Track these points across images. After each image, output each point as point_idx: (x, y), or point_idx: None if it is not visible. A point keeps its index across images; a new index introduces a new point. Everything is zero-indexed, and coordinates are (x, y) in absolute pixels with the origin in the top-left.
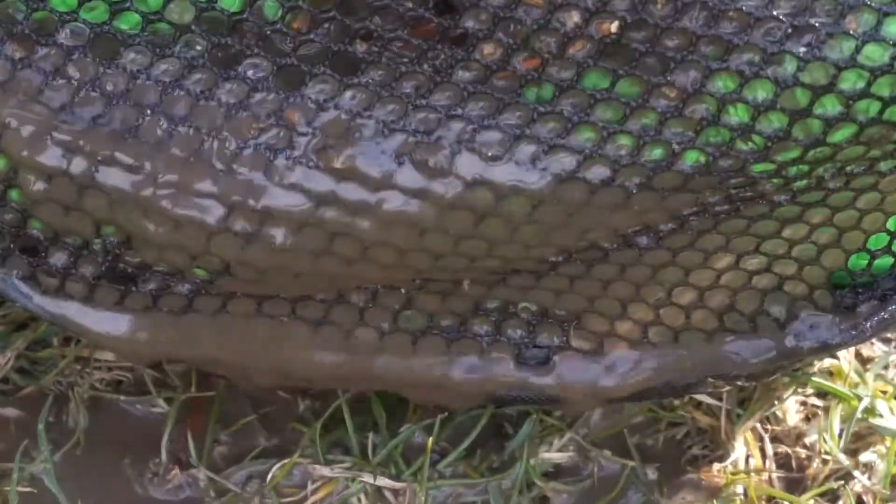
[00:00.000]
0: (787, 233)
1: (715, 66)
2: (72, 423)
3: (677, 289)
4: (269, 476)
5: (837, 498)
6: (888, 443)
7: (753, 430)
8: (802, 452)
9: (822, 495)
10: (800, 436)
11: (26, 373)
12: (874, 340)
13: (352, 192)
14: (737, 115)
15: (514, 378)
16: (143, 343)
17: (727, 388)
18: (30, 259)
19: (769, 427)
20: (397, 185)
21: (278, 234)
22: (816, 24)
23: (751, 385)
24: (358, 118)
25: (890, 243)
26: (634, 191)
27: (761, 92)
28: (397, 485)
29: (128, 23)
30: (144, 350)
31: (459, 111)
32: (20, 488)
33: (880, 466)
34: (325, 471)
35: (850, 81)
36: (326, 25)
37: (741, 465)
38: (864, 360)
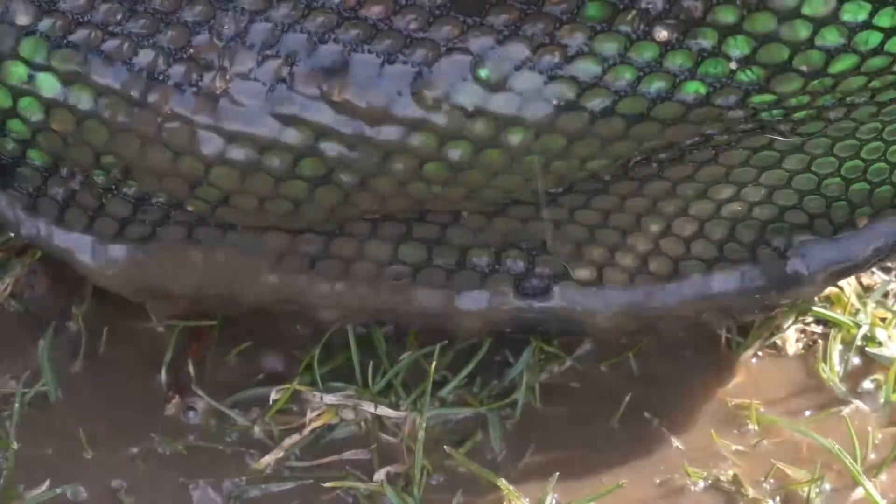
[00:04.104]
0: (788, 164)
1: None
2: (73, 347)
3: (677, 220)
4: (269, 402)
5: (837, 424)
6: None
7: (754, 356)
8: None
9: (821, 421)
10: (800, 363)
11: (26, 298)
12: (874, 269)
13: (349, 123)
14: (737, 46)
15: (514, 308)
16: (141, 275)
17: (728, 317)
18: (29, 189)
19: (770, 354)
20: (396, 117)
21: (276, 165)
22: None
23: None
24: (356, 51)
25: (889, 173)
26: (634, 121)
27: (761, 24)
28: (397, 413)
29: None
30: (142, 282)
31: (459, 43)
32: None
33: (879, 394)
34: (325, 398)
35: (852, 13)
36: None
37: (742, 391)
38: (865, 289)
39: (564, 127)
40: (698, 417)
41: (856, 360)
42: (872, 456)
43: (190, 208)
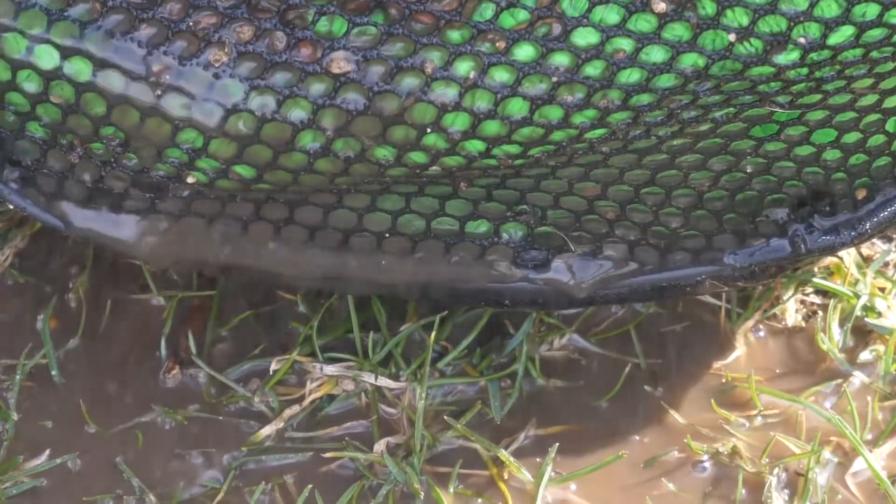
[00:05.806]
0: (786, 135)
1: None
2: (73, 319)
3: (676, 191)
4: (269, 373)
5: (836, 396)
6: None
7: (753, 328)
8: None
9: (820, 393)
10: (799, 334)
11: (26, 269)
12: (874, 239)
13: (349, 97)
14: (735, 18)
15: (513, 279)
16: (146, 246)
17: (727, 289)
18: (28, 163)
19: (769, 325)
20: (394, 89)
21: (277, 138)
22: None
23: (751, 286)
24: (356, 26)
25: (888, 145)
26: (632, 92)
27: None
28: (397, 384)
29: None
30: (147, 253)
31: (458, 18)
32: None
33: (879, 363)
34: (325, 369)
35: None
36: None
37: (741, 363)
38: (864, 259)
39: (563, 98)
40: (698, 390)
41: (855, 331)
42: (872, 427)
43: (190, 180)
